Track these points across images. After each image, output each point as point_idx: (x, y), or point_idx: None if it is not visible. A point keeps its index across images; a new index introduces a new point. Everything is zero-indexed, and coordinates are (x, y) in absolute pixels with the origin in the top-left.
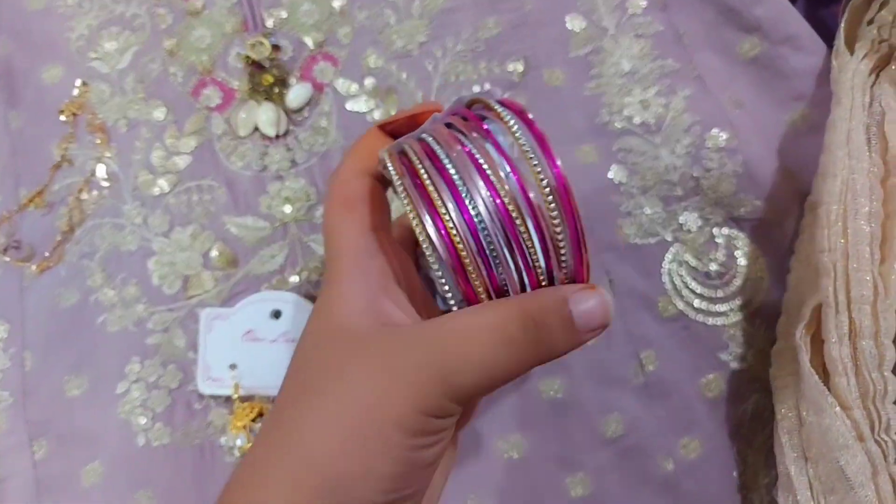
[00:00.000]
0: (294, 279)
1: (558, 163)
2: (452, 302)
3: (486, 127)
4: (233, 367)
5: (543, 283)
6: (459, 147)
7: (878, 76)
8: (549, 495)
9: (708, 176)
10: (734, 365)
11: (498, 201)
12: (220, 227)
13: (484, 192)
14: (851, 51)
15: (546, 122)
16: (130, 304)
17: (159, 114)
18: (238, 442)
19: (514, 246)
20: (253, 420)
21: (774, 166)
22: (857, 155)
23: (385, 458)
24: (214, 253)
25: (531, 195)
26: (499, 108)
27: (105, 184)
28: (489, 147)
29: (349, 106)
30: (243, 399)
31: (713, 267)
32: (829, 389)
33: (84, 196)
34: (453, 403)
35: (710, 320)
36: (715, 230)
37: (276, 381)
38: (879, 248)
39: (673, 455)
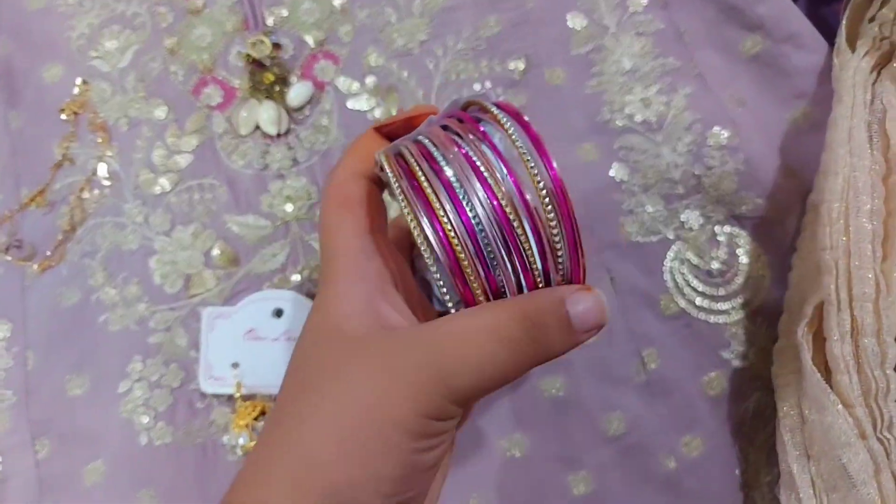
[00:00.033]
0: (295, 278)
1: (555, 165)
2: (450, 304)
3: (482, 129)
4: (235, 365)
5: (540, 285)
6: (456, 149)
7: (879, 74)
8: (552, 494)
9: (709, 174)
10: (736, 363)
11: (495, 203)
12: (222, 225)
13: (481, 194)
14: (853, 48)
15: (547, 120)
16: (132, 303)
17: (160, 112)
18: (240, 441)
19: (512, 248)
20: (255, 419)
21: (776, 164)
22: (859, 152)
23: (386, 461)
24: (216, 252)
25: (528, 197)
26: (495, 111)
27: (106, 183)
28: (485, 149)
29: (350, 104)
30: (245, 398)
31: (715, 265)
32: (831, 387)
33: (85, 195)
34: (453, 405)
35: (712, 318)
36: (717, 228)
37: (277, 379)
38: (881, 245)
39: (675, 453)
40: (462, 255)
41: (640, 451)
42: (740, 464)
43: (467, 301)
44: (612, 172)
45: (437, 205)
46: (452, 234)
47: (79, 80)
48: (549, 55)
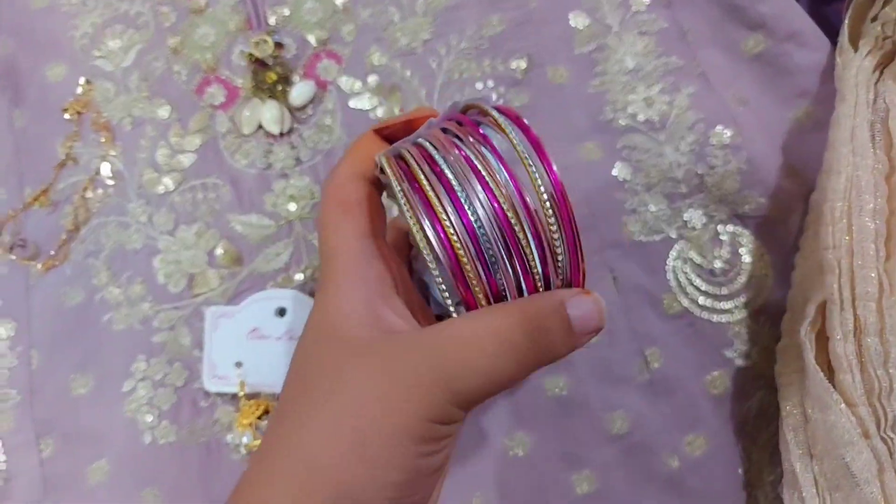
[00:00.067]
0: (299, 277)
1: (555, 168)
2: (451, 306)
3: (482, 132)
4: (238, 364)
5: (540, 288)
6: (457, 151)
7: (882, 73)
8: (555, 492)
9: (712, 173)
10: (739, 362)
11: (496, 205)
12: (225, 225)
13: (482, 196)
14: (855, 48)
15: (549, 119)
16: (136, 302)
17: (163, 112)
18: (244, 439)
19: (512, 251)
20: (259, 417)
21: (778, 163)
22: (862, 152)
23: (392, 465)
24: (219, 251)
25: (528, 200)
26: (495, 114)
27: (110, 182)
28: (486, 152)
29: (352, 104)
30: (249, 396)
31: (718, 264)
32: (834, 386)
33: (89, 194)
34: (457, 409)
35: (715, 317)
36: (719, 227)
37: (281, 378)
38: (884, 244)
39: (678, 452)
40: (464, 259)
41: (643, 450)
42: (743, 463)
43: (468, 304)
44: (614, 171)
45: (438, 207)
46: (454, 236)
47: (82, 80)
48: (551, 54)
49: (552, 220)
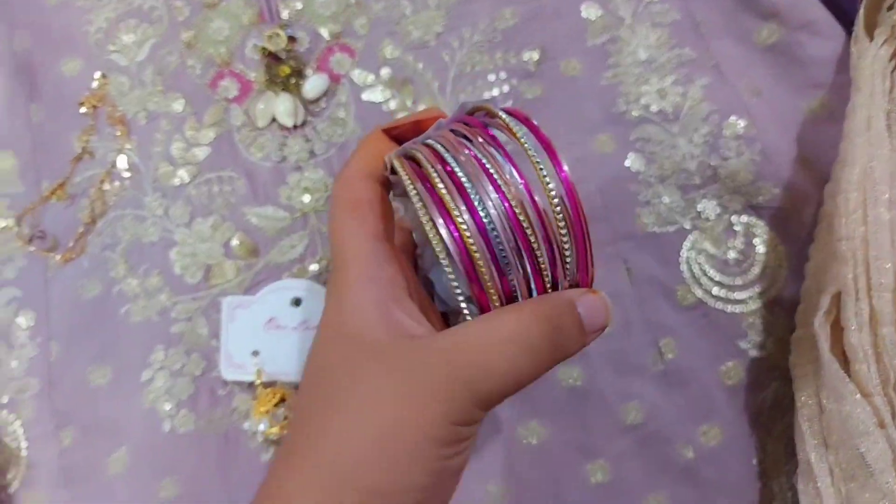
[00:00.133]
0: (314, 267)
1: (565, 168)
2: (464, 306)
3: (491, 132)
4: (255, 353)
5: (549, 288)
6: (467, 151)
7: None
8: (570, 482)
9: (726, 164)
10: (753, 353)
11: (506, 205)
12: (241, 217)
13: (493, 196)
14: (871, 37)
15: (562, 111)
16: (153, 294)
17: (178, 106)
18: (261, 427)
19: (524, 251)
20: (275, 405)
21: (793, 154)
22: (878, 142)
23: (416, 469)
24: (235, 243)
25: (540, 200)
26: (503, 115)
27: (126, 175)
28: (495, 152)
29: (365, 96)
30: (266, 385)
31: (732, 255)
32: (849, 376)
33: (105, 188)
34: (479, 410)
35: (729, 308)
36: (733, 218)
37: (297, 367)
38: None
39: (693, 442)
40: (479, 258)
41: (658, 441)
42: (758, 454)
43: (482, 304)
44: (628, 163)
45: (452, 207)
46: (469, 236)
47: (97, 74)
48: (564, 46)
49: (562, 222)
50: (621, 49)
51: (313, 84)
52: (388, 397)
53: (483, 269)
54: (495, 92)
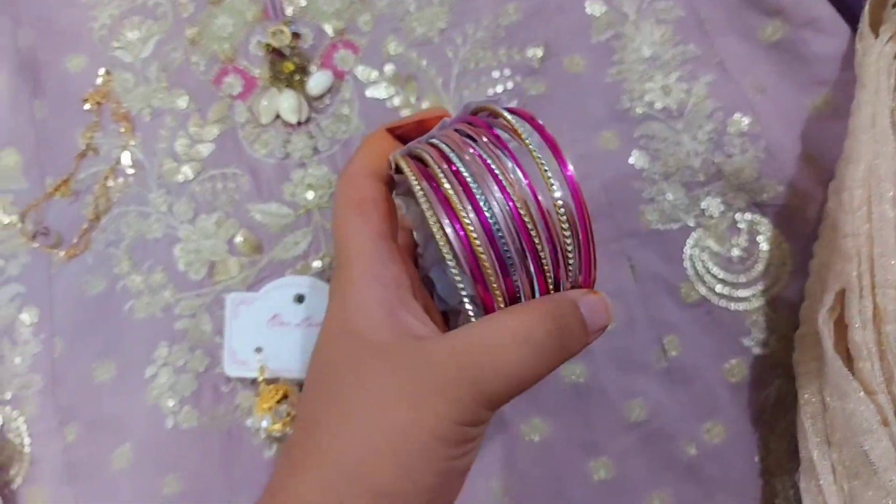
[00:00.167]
0: (317, 264)
1: (570, 168)
2: (469, 308)
3: (495, 132)
4: (258, 350)
5: (551, 288)
6: (472, 151)
7: None
8: (572, 479)
9: (730, 161)
10: (757, 350)
11: (511, 205)
12: (245, 214)
13: (498, 196)
14: (876, 34)
15: (566, 108)
16: (157, 290)
17: (182, 102)
18: (263, 423)
19: (528, 251)
20: (278, 402)
21: (797, 151)
22: (882, 139)
23: (425, 469)
24: (239, 239)
25: (544, 200)
26: (507, 115)
27: (130, 172)
28: (500, 152)
29: (369, 93)
30: (269, 381)
31: (735, 252)
32: (853, 374)
33: (110, 184)
34: (486, 410)
35: (733, 306)
36: (737, 215)
37: (300, 364)
38: None
39: (696, 440)
40: (484, 258)
41: (661, 438)
42: (761, 451)
43: (486, 304)
44: (632, 160)
45: (459, 207)
46: (475, 236)
47: (102, 71)
48: (568, 43)
49: (566, 223)
50: (625, 46)
51: (317, 81)
52: (394, 397)
53: (488, 270)
54: (499, 89)
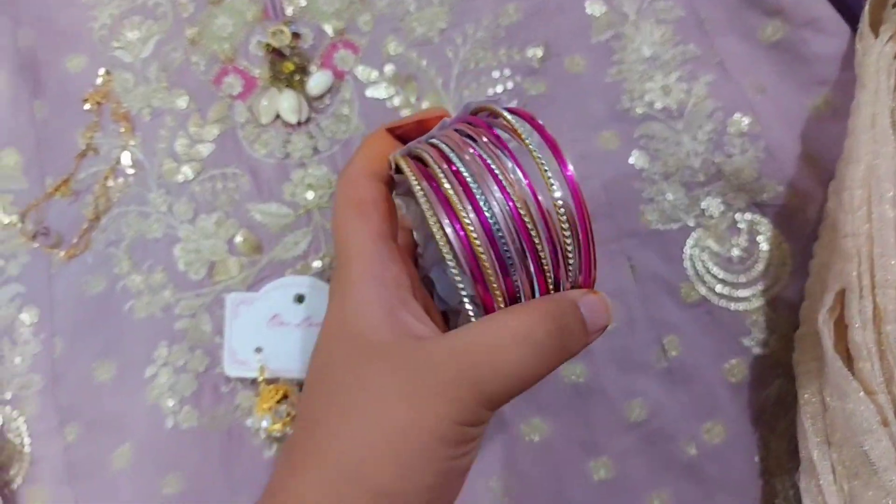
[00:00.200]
0: (317, 264)
1: (570, 169)
2: (469, 308)
3: (496, 132)
4: (258, 350)
5: (551, 289)
6: (472, 151)
7: None
8: (572, 479)
9: (730, 161)
10: (757, 350)
11: (511, 205)
12: (245, 214)
13: (499, 196)
14: (876, 34)
15: (566, 108)
16: (157, 290)
17: (182, 102)
18: (263, 423)
19: (528, 251)
20: (278, 402)
21: (797, 151)
22: (882, 139)
23: (425, 470)
24: (239, 239)
25: (544, 201)
26: (507, 115)
27: (130, 172)
28: (500, 153)
29: (369, 93)
30: (269, 381)
31: (735, 252)
32: (853, 374)
33: (110, 184)
34: (486, 410)
35: (733, 305)
36: (737, 216)
37: (300, 364)
38: None
39: (696, 440)
40: (485, 259)
41: (661, 438)
42: (761, 451)
43: (486, 304)
44: (632, 160)
45: (459, 208)
46: (475, 237)
47: (102, 71)
48: (568, 43)
49: (566, 224)
50: (626, 46)
51: (317, 81)
52: (394, 397)
53: (488, 270)
54: (499, 89)
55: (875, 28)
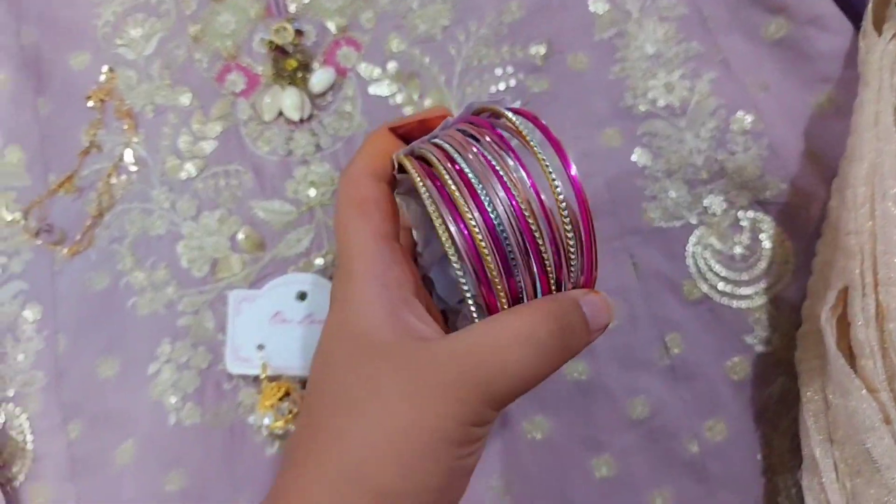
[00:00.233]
0: (319, 262)
1: (573, 169)
2: (472, 308)
3: (498, 132)
4: (260, 347)
5: (553, 289)
6: (475, 150)
7: None
8: (575, 476)
9: (733, 159)
10: (759, 348)
11: (515, 205)
12: (247, 211)
13: (502, 196)
14: (879, 32)
15: (569, 105)
16: (160, 287)
17: (185, 99)
18: (266, 421)
19: (530, 251)
20: (280, 399)
21: (800, 149)
22: (886, 137)
23: (430, 470)
24: (241, 236)
25: (547, 200)
26: (509, 115)
27: (133, 169)
28: (503, 152)
29: (372, 90)
30: (271, 379)
31: (738, 250)
32: (855, 372)
33: (113, 181)
34: (491, 411)
35: (735, 303)
36: (740, 213)
37: (302, 361)
38: None
39: (698, 437)
40: (489, 258)
41: (664, 435)
42: (763, 449)
43: (490, 304)
44: (634, 158)
45: (464, 207)
46: (479, 236)
47: (105, 68)
48: (571, 40)
49: (568, 224)
50: (629, 43)
51: (320, 78)
52: (396, 397)
53: (493, 270)
54: (502, 86)
55: (878, 26)
